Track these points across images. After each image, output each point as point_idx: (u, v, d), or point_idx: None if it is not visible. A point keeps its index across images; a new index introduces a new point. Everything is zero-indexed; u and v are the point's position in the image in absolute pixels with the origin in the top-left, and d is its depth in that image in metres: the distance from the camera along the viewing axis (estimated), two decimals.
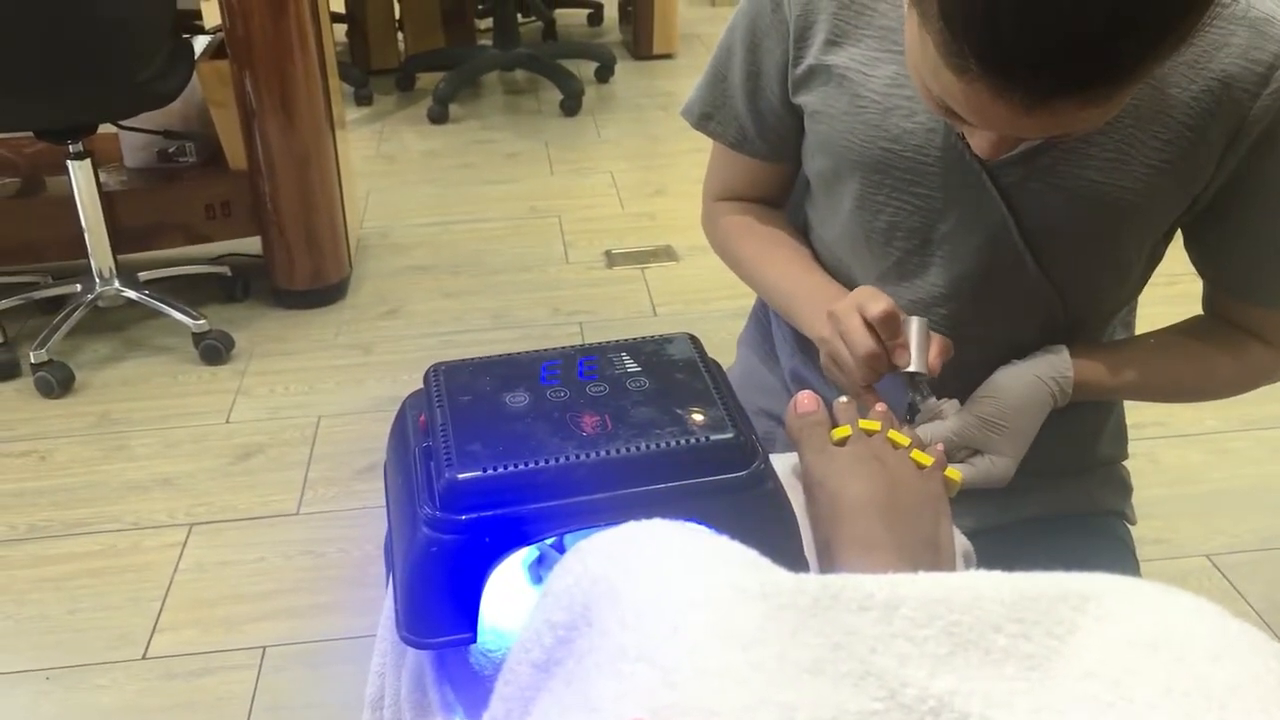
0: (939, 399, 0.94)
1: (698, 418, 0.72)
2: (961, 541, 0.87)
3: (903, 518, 0.75)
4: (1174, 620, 0.38)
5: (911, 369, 0.88)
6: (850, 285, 0.99)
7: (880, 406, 0.85)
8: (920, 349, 0.88)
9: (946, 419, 0.93)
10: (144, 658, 1.68)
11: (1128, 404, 1.12)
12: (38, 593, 1.82)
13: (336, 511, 1.99)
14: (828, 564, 0.74)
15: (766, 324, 1.21)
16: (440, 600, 0.70)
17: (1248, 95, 0.83)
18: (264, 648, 1.69)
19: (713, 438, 0.71)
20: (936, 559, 0.77)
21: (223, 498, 2.03)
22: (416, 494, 0.72)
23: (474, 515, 0.68)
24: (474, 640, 0.72)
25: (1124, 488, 1.14)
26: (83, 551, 1.91)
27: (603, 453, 0.70)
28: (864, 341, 0.86)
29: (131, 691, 1.63)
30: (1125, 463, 1.15)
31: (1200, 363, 0.98)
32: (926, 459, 0.81)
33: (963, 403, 0.94)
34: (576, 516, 0.69)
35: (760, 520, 0.71)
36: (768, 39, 0.98)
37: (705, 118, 1.08)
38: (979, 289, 0.94)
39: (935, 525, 0.79)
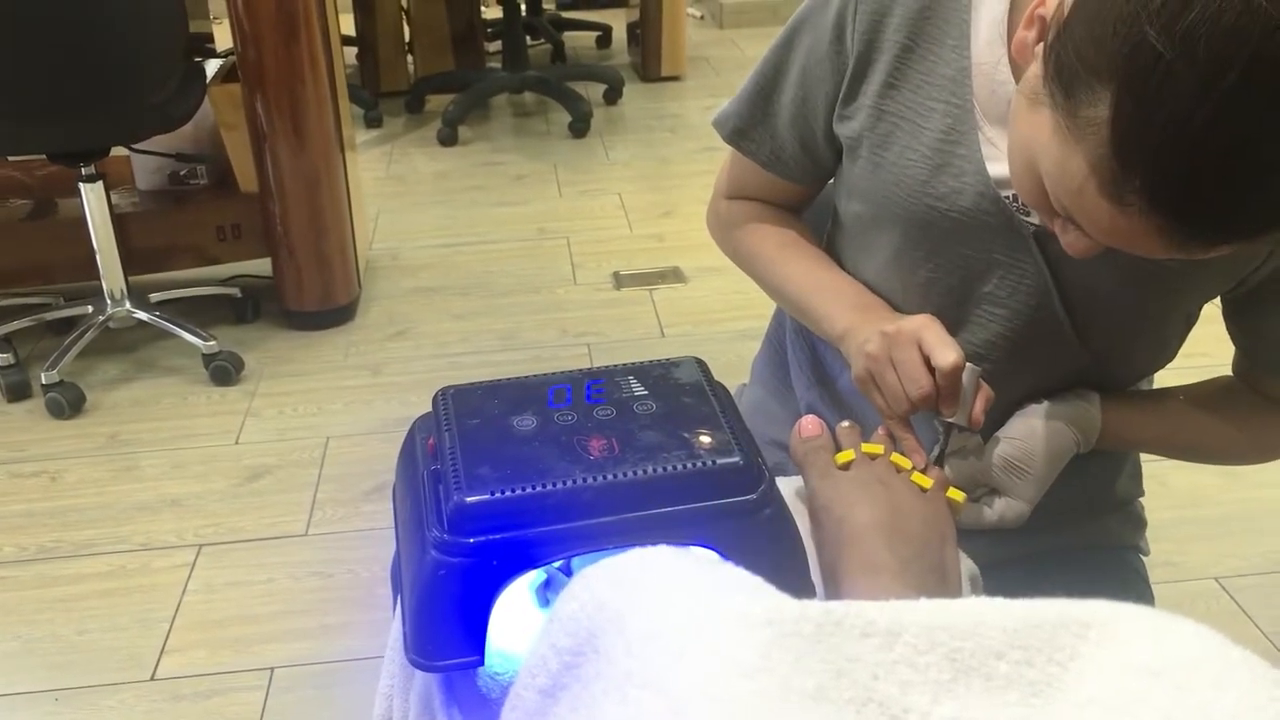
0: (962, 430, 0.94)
1: (705, 441, 0.73)
2: (968, 565, 0.87)
3: (907, 541, 0.75)
4: (1176, 647, 0.38)
5: (957, 420, 0.85)
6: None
7: (882, 430, 0.86)
8: (967, 401, 0.85)
9: (969, 457, 0.93)
10: (152, 679, 1.69)
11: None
12: (46, 613, 1.82)
13: (345, 533, 1.99)
14: (833, 588, 0.74)
15: (782, 353, 1.19)
16: (448, 623, 0.71)
17: None
18: (272, 669, 1.69)
19: (719, 461, 0.71)
20: (943, 582, 0.77)
21: (231, 519, 2.03)
22: (425, 517, 0.72)
23: (482, 538, 0.69)
24: (481, 663, 0.72)
25: (1139, 522, 1.13)
26: (91, 572, 1.91)
27: (610, 476, 0.70)
28: (922, 380, 0.81)
29: (139, 713, 1.63)
30: (1142, 500, 1.15)
31: (1226, 428, 0.96)
32: (927, 481, 0.81)
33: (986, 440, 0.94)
34: (584, 540, 0.69)
35: (766, 544, 0.71)
36: (821, 68, 0.94)
37: (739, 134, 1.03)
38: (1013, 352, 0.92)
39: (940, 548, 0.79)
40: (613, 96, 4.28)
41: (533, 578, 0.81)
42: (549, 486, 0.69)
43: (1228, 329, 0.95)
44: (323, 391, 2.43)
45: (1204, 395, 0.98)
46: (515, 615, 0.77)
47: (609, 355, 2.50)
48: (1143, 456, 1.12)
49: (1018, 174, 0.73)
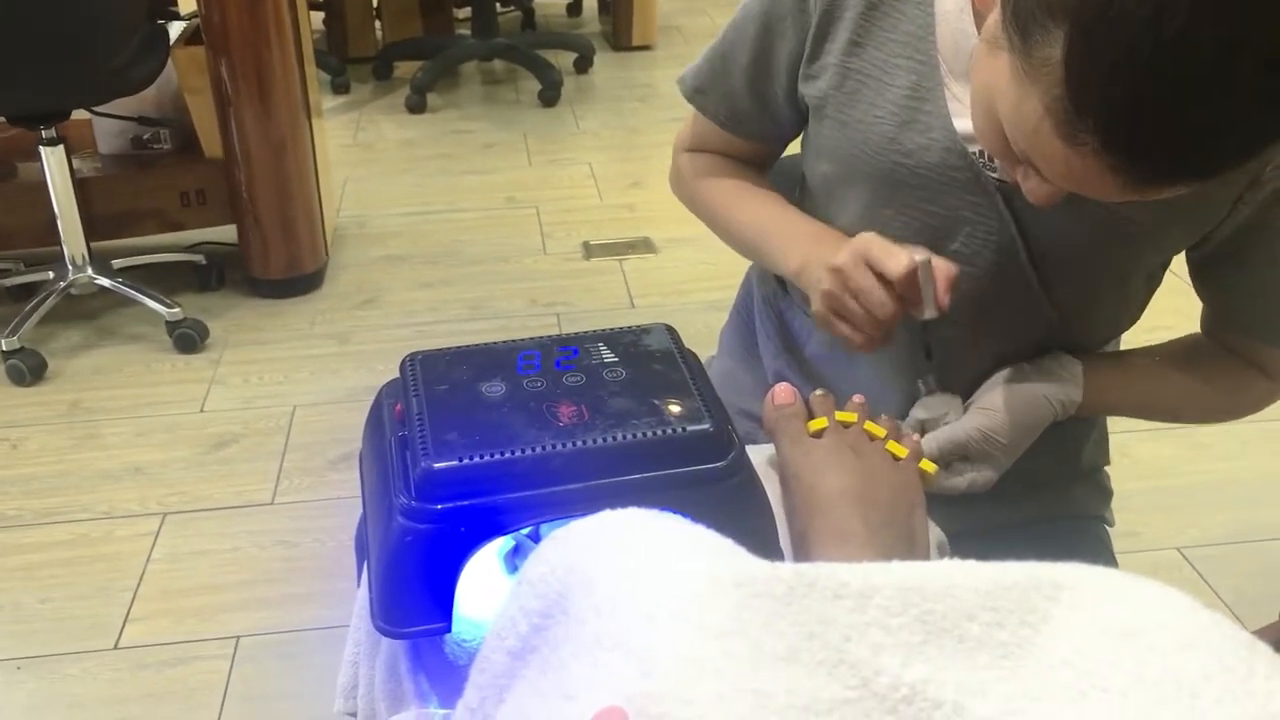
0: (943, 392, 0.94)
1: (674, 409, 0.72)
2: (936, 533, 0.87)
3: (877, 509, 0.76)
4: (1145, 609, 0.39)
5: (927, 316, 0.84)
6: None
7: (857, 398, 0.85)
8: (929, 294, 0.84)
9: (949, 419, 0.93)
10: (116, 647, 1.67)
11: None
12: (8, 582, 1.80)
13: (311, 502, 1.98)
14: (803, 555, 0.74)
15: (750, 322, 1.19)
16: (415, 589, 0.70)
17: None
18: (237, 638, 1.69)
19: (689, 428, 0.71)
20: (911, 550, 0.77)
21: (196, 487, 2.02)
22: (392, 483, 0.72)
23: (449, 505, 0.68)
24: (449, 630, 0.72)
25: (1104, 493, 1.14)
26: (54, 541, 1.89)
27: (579, 443, 0.69)
28: (884, 300, 0.82)
29: (103, 681, 1.62)
30: (1108, 469, 1.15)
31: (1201, 387, 0.97)
32: (902, 450, 0.81)
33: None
34: (552, 506, 0.69)
35: (736, 510, 0.71)
36: (784, 25, 0.94)
37: (698, 91, 1.04)
38: (982, 310, 0.93)
39: (910, 516, 0.79)
40: (583, 65, 4.24)
41: (501, 545, 0.80)
42: (517, 453, 0.69)
43: (1196, 290, 0.96)
44: (289, 360, 2.41)
45: (1177, 355, 0.98)
46: (483, 582, 0.77)
47: (578, 325, 2.49)
48: (1109, 425, 1.13)
49: (979, 122, 0.74)
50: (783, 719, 0.35)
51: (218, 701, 1.58)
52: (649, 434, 0.70)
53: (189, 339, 2.42)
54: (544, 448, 0.69)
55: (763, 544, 0.73)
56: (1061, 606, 0.39)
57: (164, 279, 2.59)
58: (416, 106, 3.82)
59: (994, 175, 0.87)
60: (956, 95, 0.86)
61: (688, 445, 0.70)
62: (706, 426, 0.71)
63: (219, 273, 2.68)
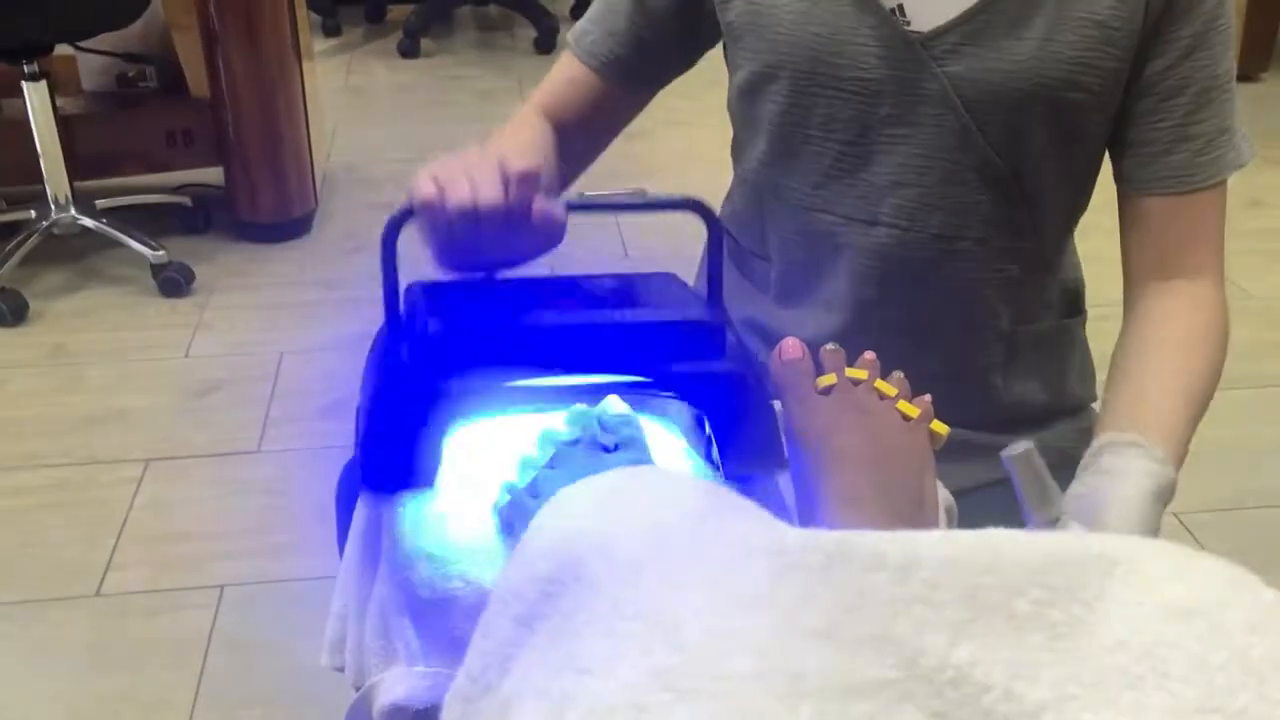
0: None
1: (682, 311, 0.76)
2: (944, 496, 0.85)
3: (887, 470, 0.73)
4: (1208, 587, 0.36)
5: (1039, 519, 0.78)
6: (782, 203, 0.97)
7: (869, 355, 0.83)
8: (1035, 491, 0.79)
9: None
10: (98, 594, 1.65)
11: (1095, 351, 1.10)
12: None
13: (297, 450, 1.95)
14: (811, 517, 0.71)
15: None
16: (406, 448, 0.73)
17: None
18: (222, 587, 1.66)
19: (696, 317, 0.74)
20: (920, 513, 0.75)
21: (181, 434, 1.98)
22: (394, 361, 0.76)
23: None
24: (431, 486, 0.74)
25: (1092, 436, 1.12)
26: (35, 485, 1.86)
27: (581, 319, 0.75)
28: (494, 187, 0.76)
29: (85, 628, 1.59)
30: (1095, 406, 1.13)
31: (1195, 356, 0.91)
32: (913, 410, 0.79)
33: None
34: (548, 365, 0.73)
35: (743, 411, 0.74)
36: None
37: (583, 34, 1.03)
38: (926, 172, 0.91)
39: (920, 479, 0.77)
40: (580, 11, 4.16)
41: (496, 499, 0.78)
42: (517, 322, 0.73)
43: (1121, 172, 0.93)
44: (277, 306, 2.37)
45: (1167, 350, 0.92)
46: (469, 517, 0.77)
47: (572, 271, 2.45)
48: (1095, 360, 1.10)
49: None
50: (820, 702, 0.32)
51: (201, 651, 1.55)
52: (656, 318, 0.74)
53: (174, 283, 2.37)
54: (545, 321, 0.74)
55: (767, 451, 0.75)
56: (1116, 583, 0.36)
57: (149, 221, 2.54)
58: (409, 51, 3.75)
59: (913, 30, 0.88)
60: None
61: (693, 333, 0.73)
62: (711, 319, 0.74)
63: (206, 216, 2.63)
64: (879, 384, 0.80)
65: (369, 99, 3.45)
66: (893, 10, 0.88)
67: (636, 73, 1.03)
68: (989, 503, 0.99)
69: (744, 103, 0.99)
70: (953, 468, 0.91)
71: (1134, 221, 0.92)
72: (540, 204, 0.76)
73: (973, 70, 0.88)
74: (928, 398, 0.82)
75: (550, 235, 0.79)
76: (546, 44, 3.82)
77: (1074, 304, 1.06)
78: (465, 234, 0.76)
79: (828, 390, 0.79)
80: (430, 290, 0.77)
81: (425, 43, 3.82)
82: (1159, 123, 0.88)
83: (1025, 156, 0.91)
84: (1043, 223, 0.95)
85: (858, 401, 0.78)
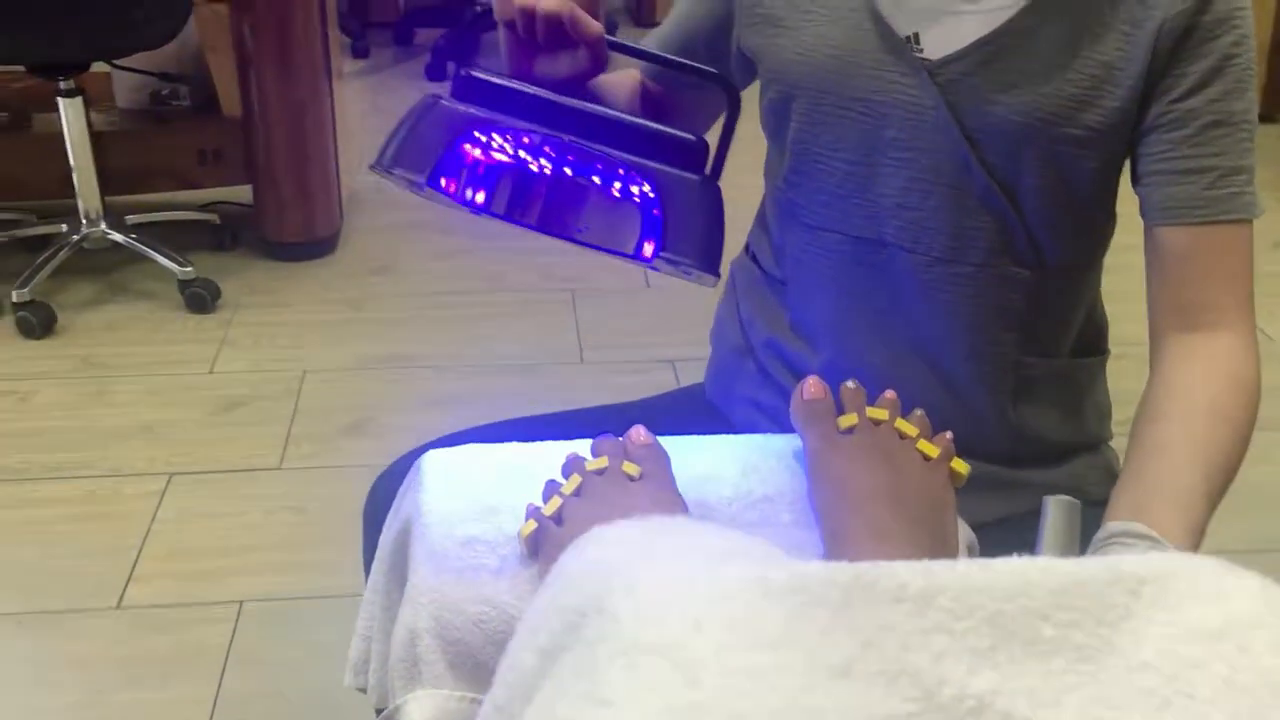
0: None
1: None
2: (965, 531, 0.86)
3: (910, 508, 0.74)
4: (1237, 607, 0.36)
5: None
6: (796, 222, 0.99)
7: (889, 394, 0.84)
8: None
9: None
10: (118, 606, 1.66)
11: (1111, 387, 1.10)
12: (13, 536, 1.79)
13: (319, 468, 1.96)
14: (839, 553, 0.72)
15: (735, 306, 1.18)
16: (423, 140, 0.83)
17: None
18: (241, 602, 1.67)
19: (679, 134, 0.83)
20: (943, 550, 0.76)
21: (204, 449, 2.00)
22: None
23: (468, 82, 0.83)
24: (430, 185, 0.82)
25: (1109, 474, 1.12)
26: (60, 496, 1.88)
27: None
28: None
29: (104, 641, 1.60)
30: (1112, 443, 1.13)
31: (1218, 422, 0.88)
32: (933, 450, 0.79)
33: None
34: (548, 119, 0.81)
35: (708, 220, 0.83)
36: None
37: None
38: (928, 196, 0.93)
39: (941, 516, 0.77)
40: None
41: (525, 526, 0.79)
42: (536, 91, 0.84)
43: (1143, 205, 0.91)
44: (301, 324, 2.39)
45: (1188, 430, 0.88)
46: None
47: (594, 301, 2.47)
48: (1116, 427, 1.10)
49: None
50: None
51: (219, 665, 1.57)
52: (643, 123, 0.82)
53: (200, 299, 2.40)
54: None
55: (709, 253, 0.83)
56: (1143, 603, 0.37)
57: (178, 237, 2.57)
58: (438, 73, 3.79)
59: (921, 55, 0.90)
60: None
61: (675, 145, 0.82)
62: (693, 138, 0.82)
63: (233, 233, 2.66)
64: (900, 423, 0.81)
65: (396, 119, 3.48)
66: (907, 38, 0.91)
67: (677, 77, 1.06)
68: (1006, 538, 0.99)
69: (769, 124, 1.02)
70: (968, 501, 0.92)
71: (1151, 259, 0.92)
72: (579, 14, 0.85)
73: (975, 100, 0.89)
74: (948, 435, 0.83)
75: (594, 62, 0.87)
76: None
77: (1095, 343, 1.06)
78: (525, 33, 0.85)
79: (850, 430, 0.80)
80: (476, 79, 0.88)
81: (451, 65, 3.86)
82: (1165, 154, 0.88)
83: (1023, 187, 0.92)
84: (1044, 255, 0.95)
85: (879, 441, 0.78)
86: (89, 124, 2.34)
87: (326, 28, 2.52)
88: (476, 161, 0.84)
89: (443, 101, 0.84)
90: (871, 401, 0.84)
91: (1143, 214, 0.93)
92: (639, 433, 0.85)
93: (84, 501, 1.87)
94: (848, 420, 0.80)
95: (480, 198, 0.85)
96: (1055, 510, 0.79)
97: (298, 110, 2.48)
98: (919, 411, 0.84)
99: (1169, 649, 0.35)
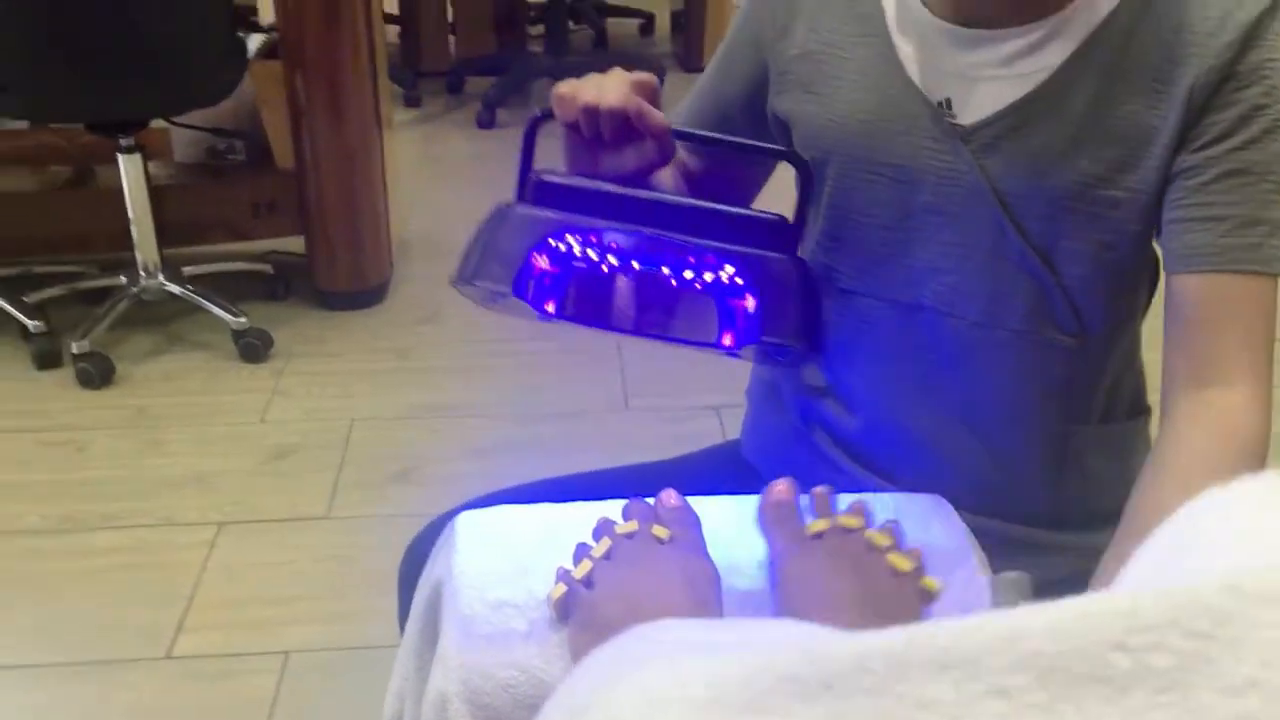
0: None
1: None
2: (1019, 575, 0.84)
3: (876, 621, 0.71)
4: None
5: None
6: (831, 285, 0.99)
7: (859, 501, 0.83)
8: None
9: None
10: (168, 656, 1.68)
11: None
12: (67, 585, 1.82)
13: (366, 517, 1.98)
14: None
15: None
16: (499, 251, 0.84)
17: (1199, 43, 0.83)
18: (287, 653, 1.69)
19: (766, 218, 0.84)
20: None
21: (254, 498, 2.03)
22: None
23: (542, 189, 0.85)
24: (510, 295, 0.83)
25: None
26: (114, 546, 1.91)
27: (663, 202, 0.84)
28: (622, 88, 0.85)
29: (153, 690, 1.63)
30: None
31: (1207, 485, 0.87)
32: (904, 564, 0.77)
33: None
34: (626, 214, 0.81)
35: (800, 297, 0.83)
36: (748, 33, 1.02)
37: (674, 115, 1.09)
38: (965, 261, 0.92)
39: None
40: None
41: (554, 590, 0.79)
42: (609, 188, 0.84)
43: (1166, 258, 0.89)
44: (350, 373, 2.43)
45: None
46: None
47: (640, 351, 2.47)
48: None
49: None
50: None
51: (264, 716, 1.58)
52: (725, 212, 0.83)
53: (254, 349, 2.44)
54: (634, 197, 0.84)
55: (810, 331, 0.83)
56: (1247, 600, 0.29)
57: (232, 287, 2.62)
58: (487, 122, 3.84)
59: (955, 121, 0.90)
60: (908, 54, 0.92)
61: (758, 226, 0.83)
62: (777, 217, 0.84)
63: (285, 283, 2.70)
64: (870, 534, 0.79)
65: (446, 168, 3.54)
66: (939, 103, 0.91)
67: (715, 153, 1.07)
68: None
69: (803, 190, 1.02)
70: (1010, 565, 0.90)
71: (1167, 307, 0.90)
72: (646, 107, 0.85)
73: (1009, 165, 0.89)
74: (919, 550, 0.80)
75: (661, 153, 0.87)
76: None
77: (1136, 402, 1.05)
78: (587, 132, 0.86)
79: (818, 536, 0.79)
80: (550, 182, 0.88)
81: (502, 113, 3.91)
82: (1182, 200, 0.87)
83: (1061, 252, 0.91)
84: (1085, 320, 0.94)
85: (849, 550, 0.77)
86: (147, 179, 2.40)
87: (377, 80, 2.57)
88: (561, 267, 0.83)
89: (518, 208, 0.85)
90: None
91: (1163, 263, 0.92)
92: (669, 496, 0.85)
93: (136, 551, 1.90)
94: (817, 526, 0.79)
95: (570, 306, 0.84)
96: (1005, 589, 0.75)
97: (349, 162, 2.53)
98: (891, 522, 0.82)
99: (1278, 658, 0.28)
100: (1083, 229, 0.90)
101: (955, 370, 0.95)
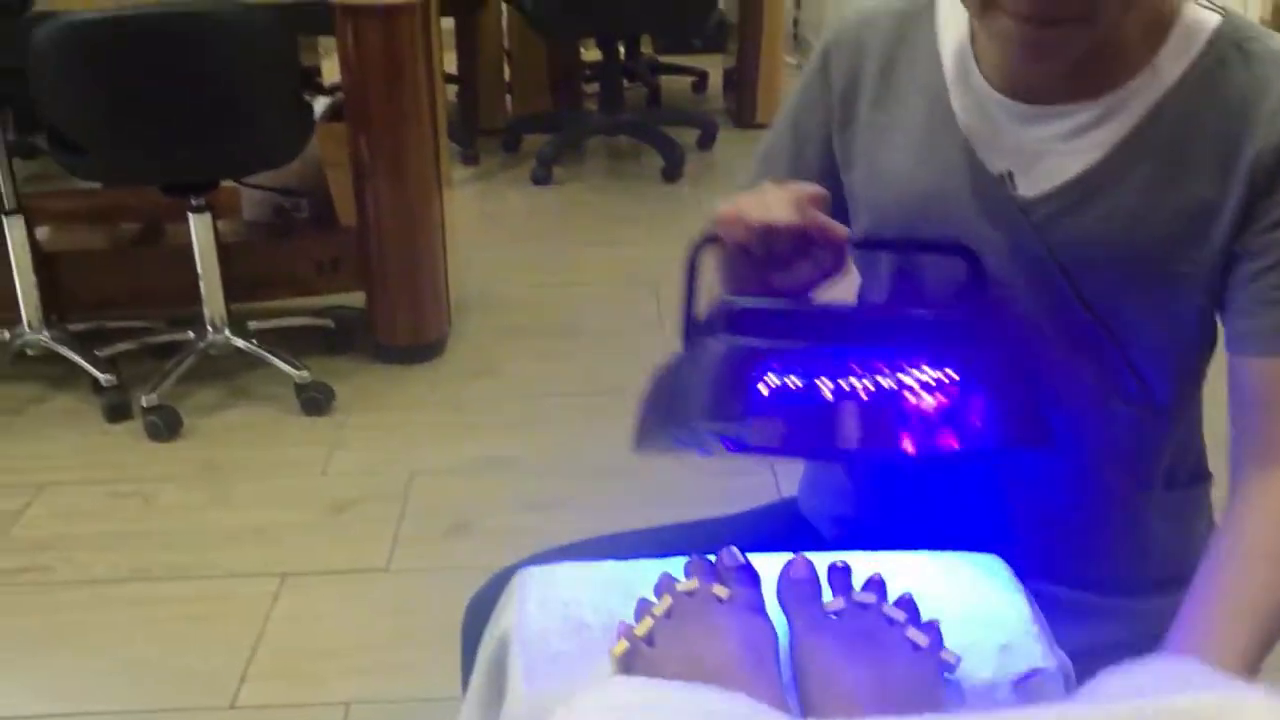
0: None
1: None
2: (1060, 657, 0.84)
3: (896, 699, 0.72)
4: None
5: None
6: None
7: (876, 577, 0.83)
8: None
9: None
10: (231, 706, 1.71)
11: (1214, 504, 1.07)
12: (133, 634, 1.87)
13: (425, 570, 2.01)
14: None
15: None
16: (719, 385, 0.78)
17: (1261, 121, 0.84)
18: (348, 704, 1.71)
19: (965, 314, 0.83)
20: None
21: (315, 550, 2.07)
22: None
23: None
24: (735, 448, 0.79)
25: None
26: (179, 595, 1.96)
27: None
28: (785, 206, 0.83)
29: None
30: None
31: (1272, 566, 0.85)
32: (922, 638, 0.78)
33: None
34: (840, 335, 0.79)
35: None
36: (813, 112, 1.03)
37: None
38: (1028, 332, 0.93)
39: (932, 708, 0.75)
40: (706, 142, 4.29)
41: (616, 647, 0.81)
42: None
43: (1229, 345, 0.90)
44: (409, 426, 2.47)
45: (1252, 574, 0.85)
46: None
47: None
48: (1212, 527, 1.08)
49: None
50: None
51: None
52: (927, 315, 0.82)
53: (316, 402, 2.50)
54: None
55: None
56: None
57: (295, 341, 2.68)
58: (542, 179, 3.91)
59: (1017, 194, 0.91)
60: (969, 128, 0.93)
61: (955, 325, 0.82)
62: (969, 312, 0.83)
63: (347, 338, 2.76)
64: (888, 609, 0.80)
65: (502, 224, 3.60)
66: (1001, 176, 0.91)
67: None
68: (1101, 667, 0.98)
69: (862, 255, 1.03)
70: (1069, 629, 0.91)
71: (1231, 386, 0.91)
72: (824, 220, 0.83)
73: (1072, 238, 0.90)
74: (936, 622, 0.81)
75: (835, 261, 0.85)
76: (673, 173, 3.94)
77: (1197, 469, 1.04)
78: (760, 251, 0.83)
79: (836, 613, 0.80)
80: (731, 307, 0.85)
81: (557, 170, 3.98)
82: (1243, 283, 0.87)
83: (1125, 323, 0.92)
84: (1151, 392, 0.95)
85: (866, 628, 0.78)
86: (216, 237, 2.47)
87: (438, 140, 2.64)
88: (780, 399, 0.79)
89: (719, 340, 0.79)
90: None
91: (1225, 341, 0.92)
92: (730, 554, 0.86)
93: (201, 601, 1.94)
94: (834, 604, 0.81)
95: (791, 438, 0.80)
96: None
97: (410, 221, 2.59)
98: (908, 594, 0.83)
99: None
100: (1146, 301, 0.91)
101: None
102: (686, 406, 0.79)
